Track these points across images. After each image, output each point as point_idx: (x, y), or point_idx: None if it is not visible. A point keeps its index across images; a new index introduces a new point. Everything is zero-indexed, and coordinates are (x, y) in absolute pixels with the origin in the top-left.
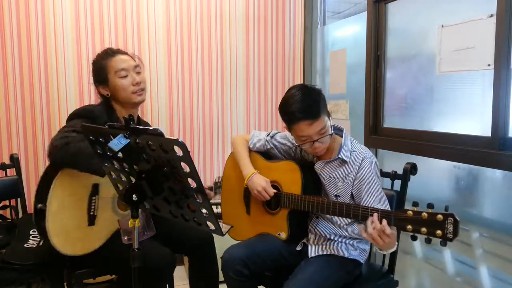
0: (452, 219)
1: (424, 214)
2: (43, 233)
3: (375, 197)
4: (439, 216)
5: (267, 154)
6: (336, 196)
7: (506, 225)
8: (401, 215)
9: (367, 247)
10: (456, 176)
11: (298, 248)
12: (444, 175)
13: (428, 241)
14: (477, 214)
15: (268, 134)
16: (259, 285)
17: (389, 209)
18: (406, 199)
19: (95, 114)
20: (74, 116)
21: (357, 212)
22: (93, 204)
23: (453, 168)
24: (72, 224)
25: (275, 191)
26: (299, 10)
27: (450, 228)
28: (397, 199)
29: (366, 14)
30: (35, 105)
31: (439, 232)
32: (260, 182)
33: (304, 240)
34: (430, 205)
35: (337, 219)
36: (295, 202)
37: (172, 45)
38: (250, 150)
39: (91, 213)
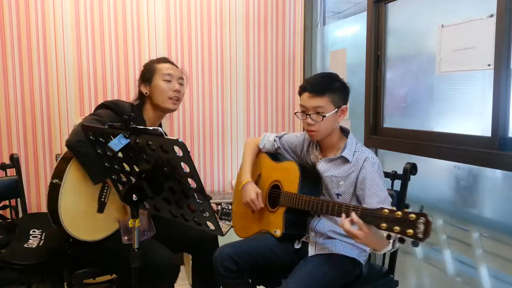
0: (424, 219)
1: (398, 212)
2: (53, 208)
3: (379, 197)
4: (412, 215)
5: (275, 156)
6: (338, 194)
7: (506, 225)
8: (377, 213)
9: (367, 248)
10: (456, 176)
11: (296, 246)
12: (444, 175)
13: (401, 240)
14: (477, 214)
15: (277, 135)
16: (259, 285)
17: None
18: (406, 199)
19: (122, 109)
20: (102, 106)
21: (341, 210)
22: (105, 190)
23: (453, 168)
24: (82, 207)
25: (262, 205)
26: (299, 10)
27: (421, 227)
28: (397, 199)
29: (366, 14)
30: (35, 105)
31: (410, 231)
32: (250, 193)
33: (304, 239)
34: (406, 206)
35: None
36: (292, 201)
37: (172, 45)
38: (260, 151)
39: (102, 199)
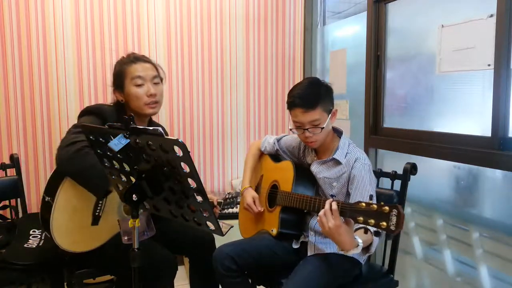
0: (396, 211)
1: (374, 205)
2: (45, 225)
3: (363, 198)
4: (386, 208)
5: (275, 156)
6: (332, 196)
7: (506, 225)
8: (354, 206)
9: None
10: (456, 176)
11: (295, 246)
12: (444, 175)
13: (376, 234)
14: (477, 214)
15: (277, 138)
16: (259, 285)
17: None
18: (406, 199)
19: (106, 114)
20: (86, 113)
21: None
22: (99, 205)
23: (453, 168)
24: (76, 222)
25: (260, 209)
26: (299, 10)
27: (394, 219)
28: (397, 199)
29: (366, 14)
30: (35, 105)
31: (383, 223)
32: (246, 199)
33: (303, 238)
34: (383, 200)
35: None
36: (286, 199)
37: (172, 45)
38: (262, 153)
39: (97, 213)
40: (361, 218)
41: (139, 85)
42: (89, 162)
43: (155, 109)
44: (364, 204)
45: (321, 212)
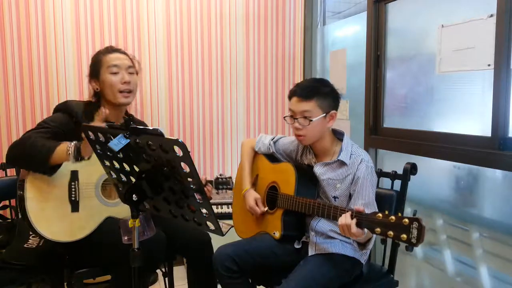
0: (417, 223)
1: (392, 217)
2: (24, 218)
3: (364, 200)
4: (405, 220)
5: (271, 156)
6: (335, 197)
7: (506, 225)
8: (371, 217)
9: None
10: (456, 176)
11: (297, 246)
12: (444, 175)
13: (395, 243)
14: (477, 214)
15: (273, 139)
16: (259, 286)
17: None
18: (406, 199)
19: (72, 109)
20: (54, 111)
21: (336, 213)
22: (73, 190)
23: (453, 168)
24: (54, 210)
25: (263, 209)
26: (299, 10)
27: (415, 232)
28: (397, 199)
29: (366, 14)
30: (35, 105)
31: (404, 236)
32: (249, 201)
33: (304, 238)
34: (399, 211)
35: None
36: (288, 203)
37: (172, 45)
38: (256, 153)
39: (73, 199)
40: (378, 230)
41: (114, 73)
42: (25, 144)
43: (128, 99)
44: (381, 215)
45: (353, 230)
